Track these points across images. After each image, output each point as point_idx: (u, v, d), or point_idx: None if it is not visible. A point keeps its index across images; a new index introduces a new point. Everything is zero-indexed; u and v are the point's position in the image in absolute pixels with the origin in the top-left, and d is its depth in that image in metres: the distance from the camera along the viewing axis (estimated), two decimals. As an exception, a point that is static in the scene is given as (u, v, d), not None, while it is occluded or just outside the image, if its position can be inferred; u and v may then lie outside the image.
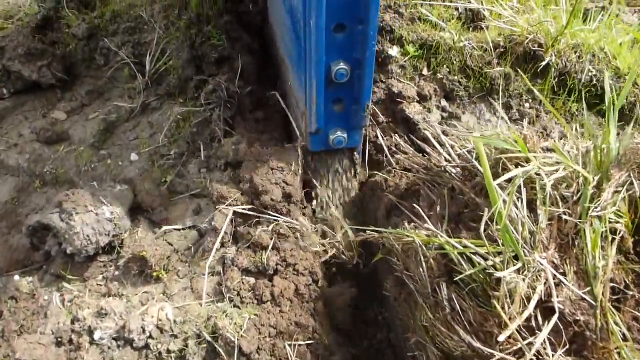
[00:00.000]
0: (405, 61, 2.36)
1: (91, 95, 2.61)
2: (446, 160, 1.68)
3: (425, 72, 2.38)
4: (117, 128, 2.45)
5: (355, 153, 1.98)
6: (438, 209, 1.51)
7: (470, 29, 2.60)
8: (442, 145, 1.72)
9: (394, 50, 2.33)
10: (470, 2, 2.53)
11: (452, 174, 1.63)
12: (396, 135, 2.15)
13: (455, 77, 2.34)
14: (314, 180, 1.98)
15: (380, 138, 2.16)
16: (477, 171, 1.46)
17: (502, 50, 2.33)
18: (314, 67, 1.49)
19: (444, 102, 2.33)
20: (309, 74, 1.53)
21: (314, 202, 2.01)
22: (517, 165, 1.35)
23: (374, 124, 2.23)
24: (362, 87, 1.60)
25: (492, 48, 2.36)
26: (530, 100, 2.32)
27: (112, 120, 2.44)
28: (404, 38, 2.39)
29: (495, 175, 1.34)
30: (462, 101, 2.32)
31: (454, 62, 2.37)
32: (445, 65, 2.37)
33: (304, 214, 1.93)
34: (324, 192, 2.00)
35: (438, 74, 2.33)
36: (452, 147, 1.69)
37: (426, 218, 1.46)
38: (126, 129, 2.43)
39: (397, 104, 2.23)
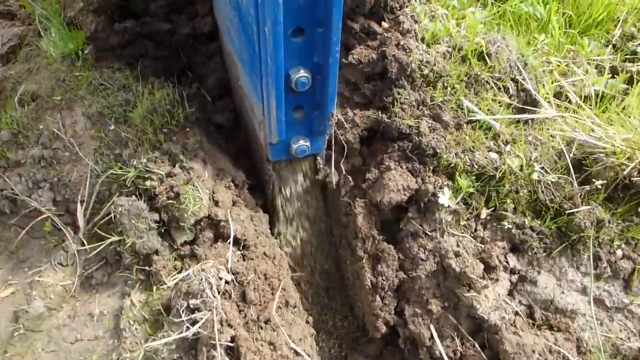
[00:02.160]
0: (457, 203, 1.67)
1: (-2, 257, 1.78)
2: None
3: (483, 214, 1.70)
4: (46, 321, 1.67)
5: (318, 158, 1.80)
6: None
7: (527, 122, 1.91)
8: None
9: (444, 196, 1.62)
10: (540, 111, 1.82)
11: None
12: (461, 339, 1.52)
13: (525, 220, 1.68)
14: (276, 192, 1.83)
15: (437, 341, 1.53)
16: None
17: (590, 181, 1.68)
18: (272, 77, 1.33)
19: (512, 261, 1.69)
20: (266, 84, 1.36)
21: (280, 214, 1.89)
22: None
23: (423, 312, 1.58)
24: (325, 94, 1.45)
25: (573, 175, 1.70)
26: (622, 247, 1.73)
27: (36, 312, 1.66)
28: (453, 165, 1.69)
29: None
30: (536, 255, 1.69)
31: (521, 194, 1.70)
32: (509, 200, 1.70)
33: None
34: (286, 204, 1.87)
35: (504, 222, 1.67)
36: None
37: None
38: (60, 324, 1.66)
39: (456, 284, 1.58)
